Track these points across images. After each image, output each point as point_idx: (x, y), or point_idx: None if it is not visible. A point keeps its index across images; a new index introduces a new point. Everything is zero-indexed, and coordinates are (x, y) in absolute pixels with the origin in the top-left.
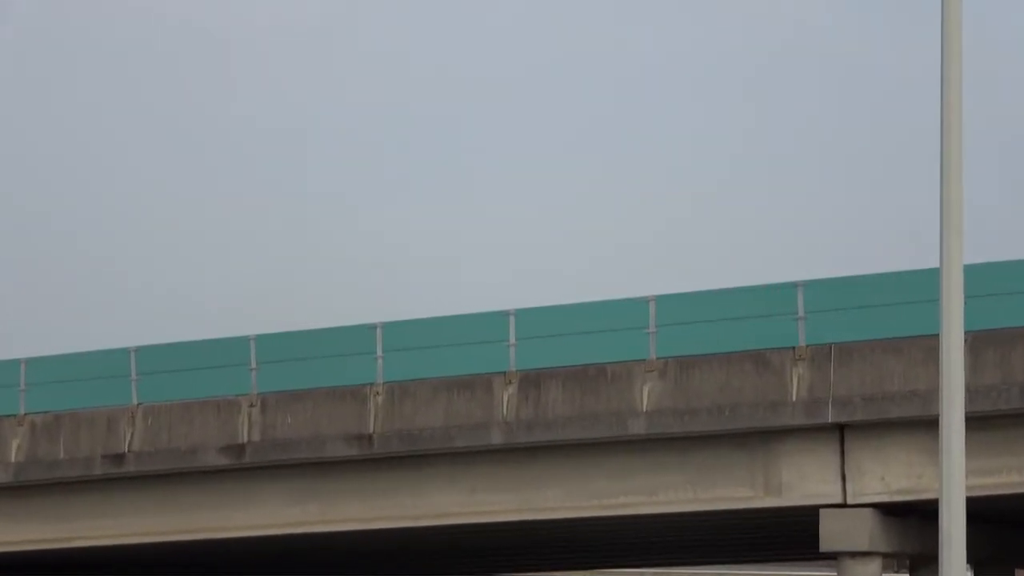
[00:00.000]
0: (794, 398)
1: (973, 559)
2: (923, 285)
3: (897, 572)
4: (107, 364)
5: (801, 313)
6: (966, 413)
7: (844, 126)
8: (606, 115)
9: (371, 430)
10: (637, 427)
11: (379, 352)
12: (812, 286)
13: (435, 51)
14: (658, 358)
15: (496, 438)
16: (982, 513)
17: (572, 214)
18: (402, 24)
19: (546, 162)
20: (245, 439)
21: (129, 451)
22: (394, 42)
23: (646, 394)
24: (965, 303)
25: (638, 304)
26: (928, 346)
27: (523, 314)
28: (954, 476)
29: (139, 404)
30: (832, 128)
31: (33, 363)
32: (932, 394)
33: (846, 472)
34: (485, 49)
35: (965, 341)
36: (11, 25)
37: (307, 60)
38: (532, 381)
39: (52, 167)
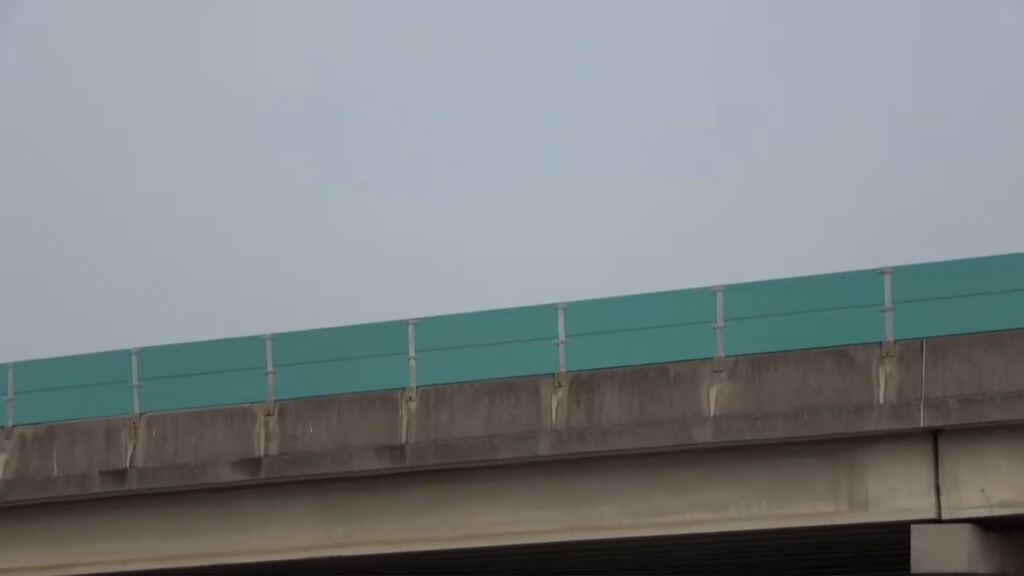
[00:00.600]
0: (881, 400)
1: None
2: None
3: None
4: (106, 368)
5: (888, 304)
6: None
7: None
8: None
9: (403, 440)
10: (704, 435)
11: (412, 352)
12: (901, 273)
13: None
14: (727, 356)
15: (544, 448)
16: None
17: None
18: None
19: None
20: (262, 452)
21: (131, 466)
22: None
23: (713, 397)
24: None
25: (704, 295)
26: None
27: (574, 308)
28: None
29: (142, 413)
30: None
31: (22, 368)
32: None
33: (940, 483)
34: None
35: None
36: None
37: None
38: (584, 384)
39: (50, 164)
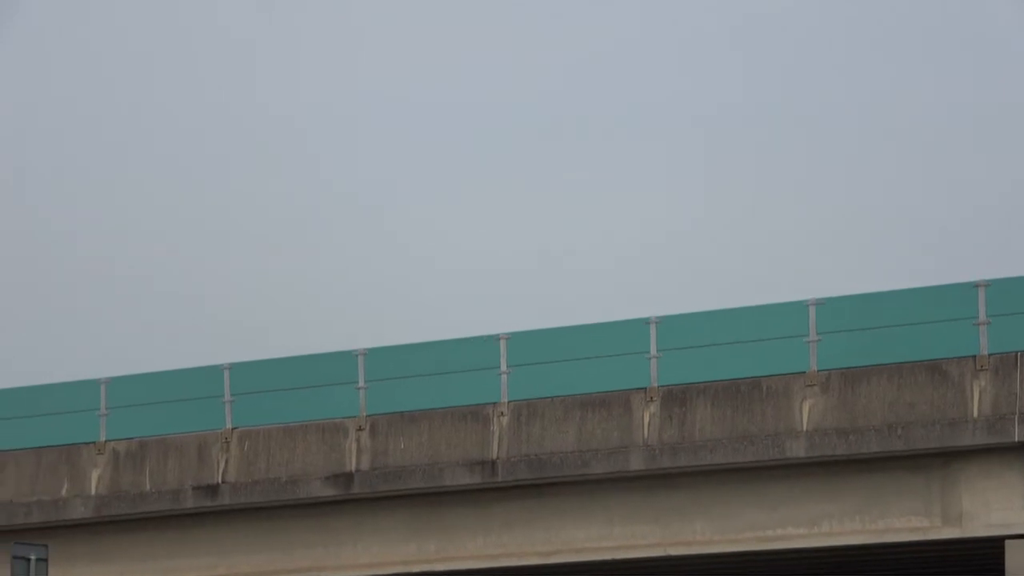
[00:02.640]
0: (975, 414)
1: None
2: None
3: None
4: (198, 384)
5: (983, 317)
6: None
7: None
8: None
9: (495, 455)
10: (796, 449)
11: (503, 367)
12: (996, 286)
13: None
14: (820, 371)
15: (636, 463)
16: None
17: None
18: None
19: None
20: (353, 467)
21: (223, 481)
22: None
23: (806, 412)
24: None
25: (796, 308)
26: None
27: (666, 322)
28: None
29: (234, 428)
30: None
31: (115, 384)
32: None
33: None
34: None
35: None
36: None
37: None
38: (676, 398)
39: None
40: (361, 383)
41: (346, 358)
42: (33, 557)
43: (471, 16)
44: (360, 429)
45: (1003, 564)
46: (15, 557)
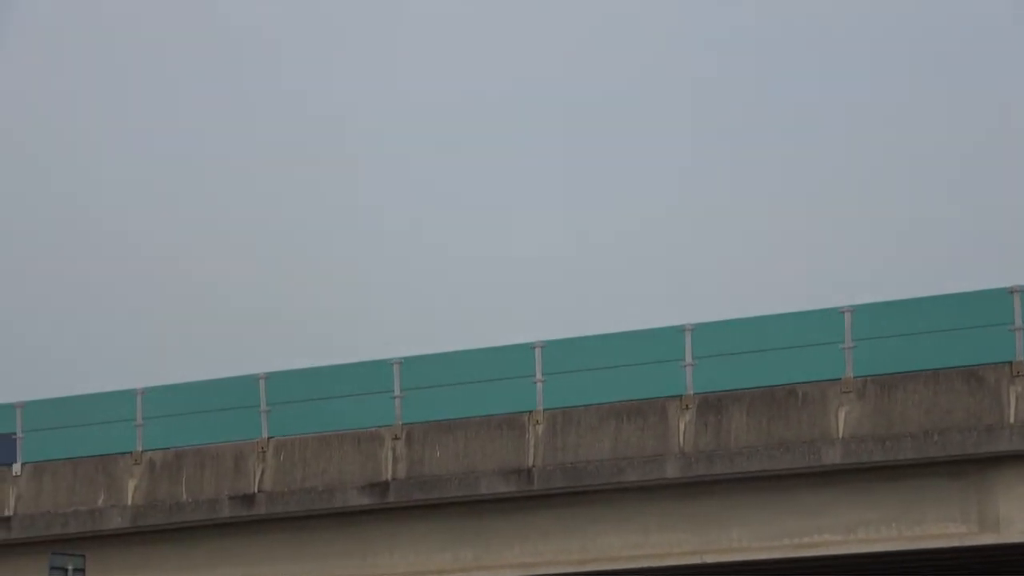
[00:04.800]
0: (1012, 420)
1: None
2: None
3: None
4: (233, 394)
5: (1019, 323)
6: None
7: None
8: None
9: (530, 464)
10: (832, 456)
11: (538, 375)
12: None
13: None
14: (855, 377)
15: (672, 471)
16: None
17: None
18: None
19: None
20: (389, 476)
21: (259, 491)
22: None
23: (842, 418)
24: None
25: (831, 315)
26: None
27: (701, 329)
28: None
29: (270, 438)
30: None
31: (151, 394)
32: None
33: None
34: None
35: None
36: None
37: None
38: (712, 406)
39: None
40: (397, 392)
41: (382, 367)
42: (70, 567)
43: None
44: (396, 438)
45: None
46: (53, 567)
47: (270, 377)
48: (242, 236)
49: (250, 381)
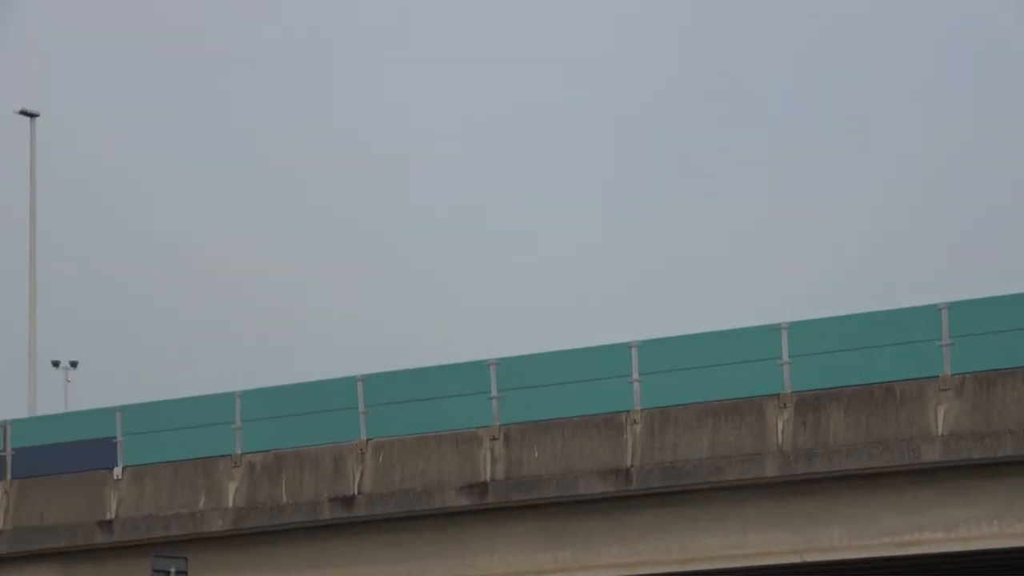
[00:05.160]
0: None
1: None
2: None
3: None
4: (332, 395)
5: None
6: None
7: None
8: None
9: (628, 463)
10: (932, 453)
11: (635, 375)
12: None
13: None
14: (954, 374)
15: (770, 470)
16: None
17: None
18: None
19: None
20: (488, 476)
21: (359, 492)
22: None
23: (941, 416)
24: None
25: (927, 312)
26: None
27: (798, 328)
28: None
29: (368, 440)
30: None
31: (249, 396)
32: None
33: None
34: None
35: None
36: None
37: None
38: (810, 404)
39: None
40: (494, 393)
41: (479, 368)
42: (173, 569)
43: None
44: (494, 439)
45: None
46: (155, 570)
47: (368, 379)
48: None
49: (348, 383)
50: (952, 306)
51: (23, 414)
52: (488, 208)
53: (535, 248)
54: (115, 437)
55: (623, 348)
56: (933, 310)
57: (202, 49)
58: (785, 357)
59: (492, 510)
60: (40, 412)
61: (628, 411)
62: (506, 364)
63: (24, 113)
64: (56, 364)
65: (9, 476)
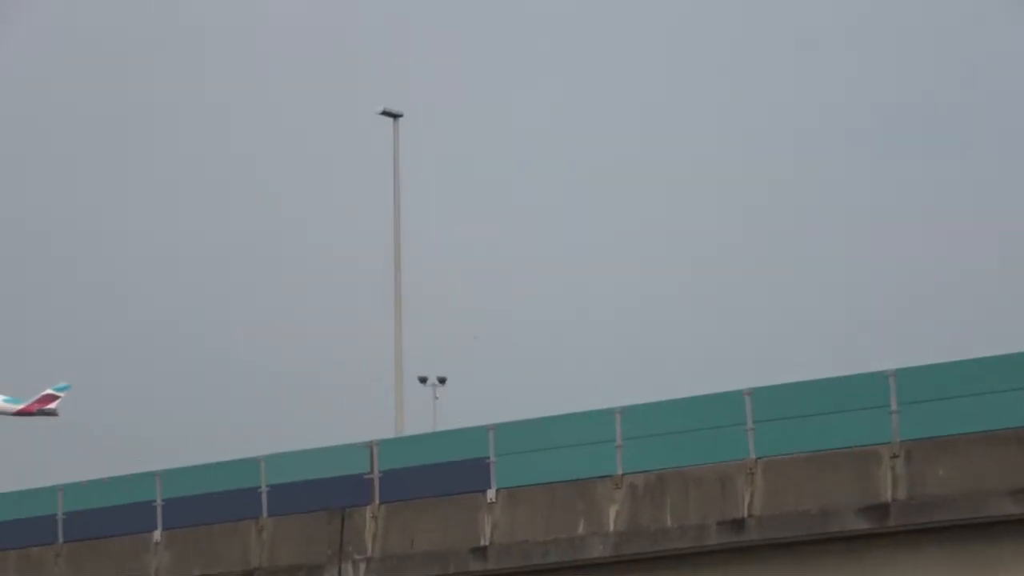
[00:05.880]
0: None
1: None
2: None
3: None
4: (717, 411)
5: None
6: None
7: None
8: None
9: None
10: None
11: None
12: None
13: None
14: None
15: None
16: None
17: None
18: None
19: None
20: (889, 497)
21: (750, 515)
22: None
23: None
24: None
25: None
26: None
27: None
28: None
29: (758, 458)
30: None
31: (629, 413)
32: None
33: None
34: None
35: None
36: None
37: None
38: None
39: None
40: (894, 407)
41: (877, 380)
42: None
43: None
44: (894, 456)
45: None
46: None
47: (756, 392)
48: None
49: (734, 397)
50: None
51: (390, 434)
52: None
53: None
54: (487, 457)
55: None
56: None
57: None
58: None
59: (894, 534)
60: (408, 431)
61: None
62: (904, 375)
63: (387, 114)
64: (423, 381)
65: (377, 499)
